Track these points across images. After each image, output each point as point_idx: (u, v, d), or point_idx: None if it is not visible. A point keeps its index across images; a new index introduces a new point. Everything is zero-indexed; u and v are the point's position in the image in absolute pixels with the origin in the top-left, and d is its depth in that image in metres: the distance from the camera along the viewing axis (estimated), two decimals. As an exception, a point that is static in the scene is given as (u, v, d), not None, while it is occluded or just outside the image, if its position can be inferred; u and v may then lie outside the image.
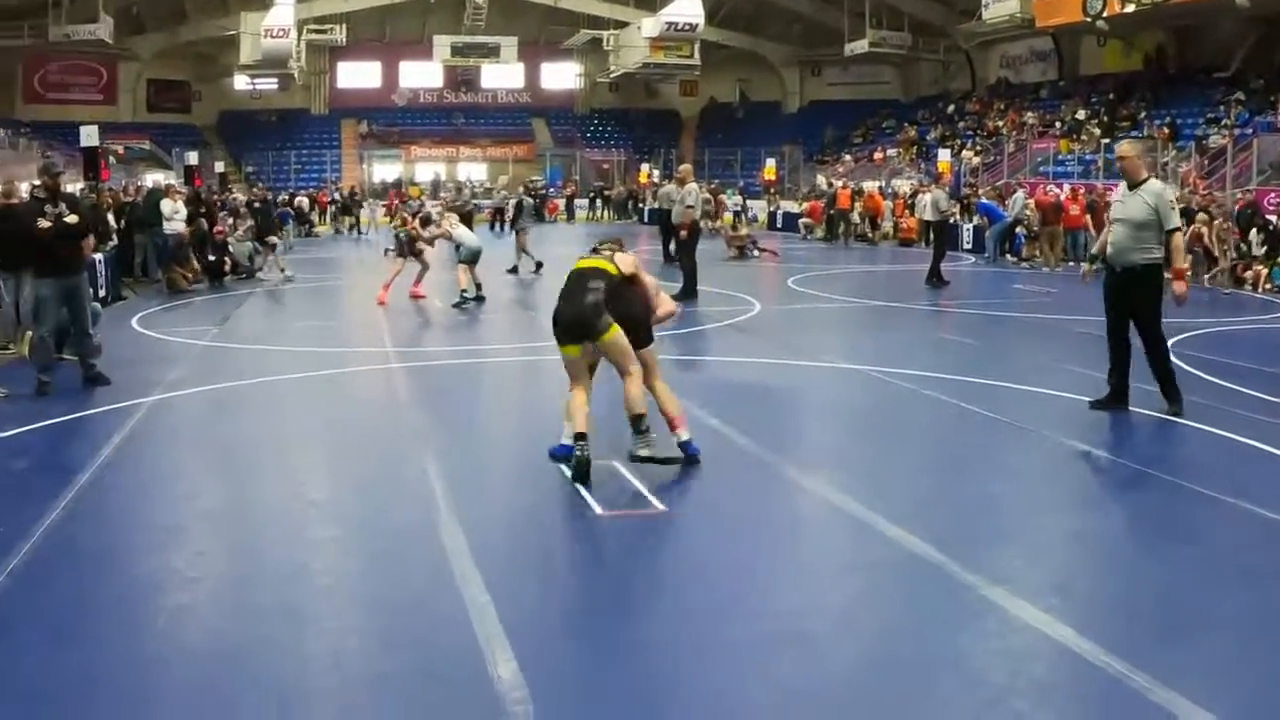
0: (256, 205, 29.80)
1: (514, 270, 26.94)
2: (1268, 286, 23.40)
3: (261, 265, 27.09)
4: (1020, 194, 33.28)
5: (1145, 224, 11.08)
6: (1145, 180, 11.37)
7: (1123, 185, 11.65)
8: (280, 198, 42.82)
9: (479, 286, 21.30)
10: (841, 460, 10.04)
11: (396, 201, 47.74)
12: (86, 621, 6.29)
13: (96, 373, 13.05)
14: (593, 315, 9.04)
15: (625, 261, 9.47)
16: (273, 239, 27.93)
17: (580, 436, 8.89)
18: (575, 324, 9.16)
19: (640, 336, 9.44)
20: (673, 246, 23.94)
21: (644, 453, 9.02)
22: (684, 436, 9.40)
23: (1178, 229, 11.23)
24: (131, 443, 10.50)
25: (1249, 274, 24.45)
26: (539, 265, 27.01)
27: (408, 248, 22.23)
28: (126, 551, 7.61)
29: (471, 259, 21.16)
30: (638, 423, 9.04)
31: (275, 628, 6.20)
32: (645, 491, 8.63)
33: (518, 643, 5.83)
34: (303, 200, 48.13)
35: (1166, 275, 11.14)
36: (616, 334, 9.05)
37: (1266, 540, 7.76)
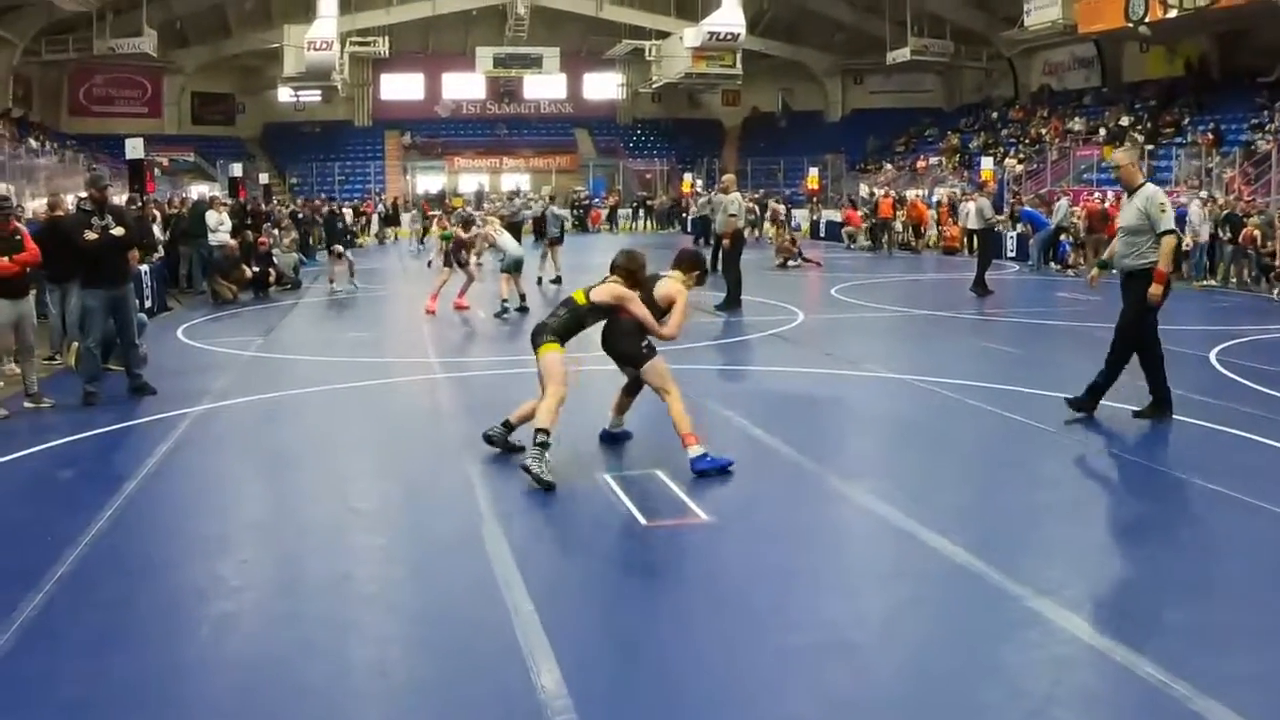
0: (301, 217, 29.84)
1: (557, 280, 26.92)
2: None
3: (334, 274, 27.13)
4: (1064, 201, 33.16)
5: (1138, 229, 11.21)
6: (1140, 186, 11.45)
7: (1126, 194, 11.77)
8: (326, 210, 42.97)
9: (523, 297, 21.35)
10: (885, 469, 10.01)
11: (437, 212, 47.77)
12: (131, 629, 6.35)
13: (142, 383, 13.15)
14: (536, 333, 9.81)
15: (600, 292, 9.85)
16: (338, 248, 28.01)
17: (505, 423, 10.21)
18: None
19: (634, 359, 9.90)
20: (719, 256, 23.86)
21: (529, 464, 9.07)
22: (693, 453, 9.44)
23: (1170, 231, 11.22)
24: (177, 452, 10.58)
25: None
26: (542, 280, 27.07)
27: (453, 257, 22.31)
28: (172, 560, 7.66)
29: (514, 268, 21.22)
30: (536, 435, 9.21)
31: (319, 636, 6.24)
32: (689, 501, 8.64)
33: (561, 652, 5.85)
34: (345, 211, 47.97)
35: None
36: (549, 352, 9.59)
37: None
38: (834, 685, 5.63)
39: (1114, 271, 11.74)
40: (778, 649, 5.99)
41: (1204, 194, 31.05)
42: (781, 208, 46.29)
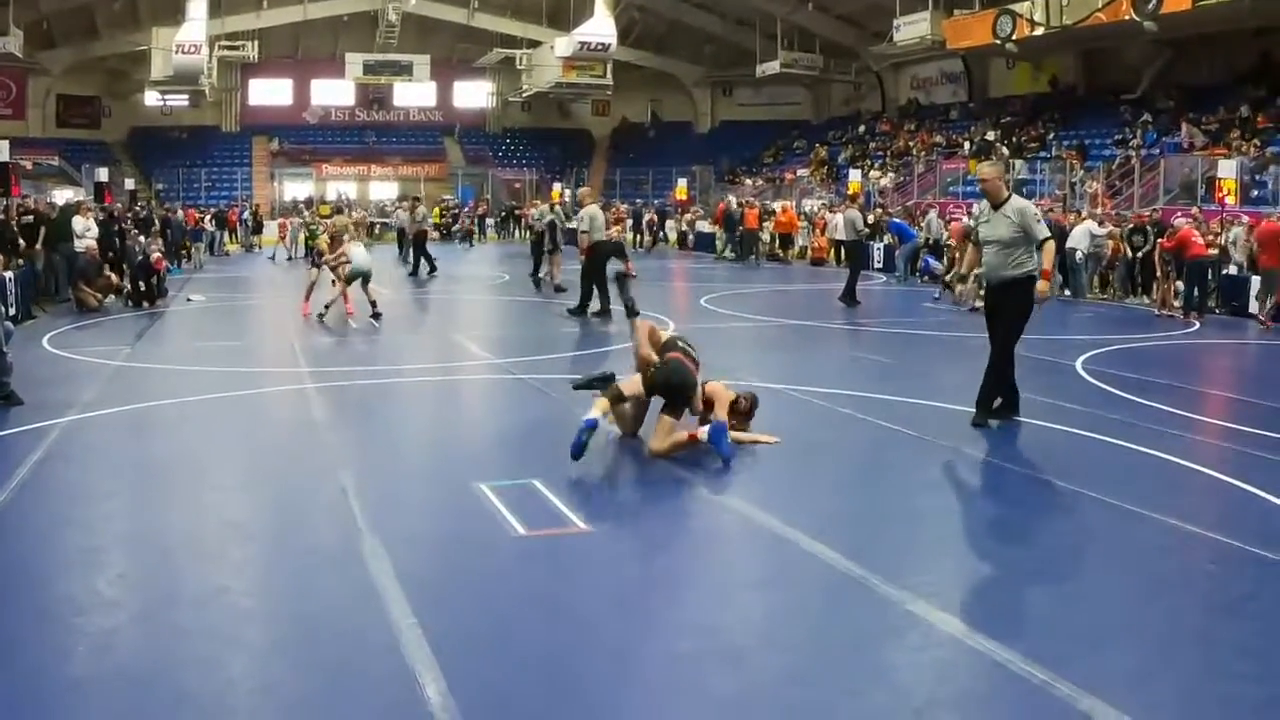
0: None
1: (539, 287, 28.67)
2: (1176, 304, 23.52)
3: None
4: (933, 214, 33.68)
5: (1013, 241, 11.43)
6: (1008, 199, 11.67)
7: (983, 205, 12.02)
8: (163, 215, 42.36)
9: (374, 304, 21.32)
10: (760, 477, 10.03)
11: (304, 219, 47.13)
12: (5, 648, 6.19)
13: (10, 392, 12.86)
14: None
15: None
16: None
17: None
18: None
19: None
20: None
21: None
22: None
23: (1049, 238, 11.61)
24: (47, 464, 10.35)
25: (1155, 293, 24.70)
26: (548, 285, 28.48)
27: (316, 258, 22.47)
28: (45, 575, 7.50)
29: (355, 277, 21.29)
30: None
31: (199, 650, 6.14)
32: (566, 510, 8.64)
33: (445, 663, 5.82)
34: (207, 218, 46.74)
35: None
36: None
37: (1179, 548, 7.98)
38: (719, 691, 5.66)
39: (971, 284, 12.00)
40: (662, 656, 6.04)
41: (1088, 210, 31.75)
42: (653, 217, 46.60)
